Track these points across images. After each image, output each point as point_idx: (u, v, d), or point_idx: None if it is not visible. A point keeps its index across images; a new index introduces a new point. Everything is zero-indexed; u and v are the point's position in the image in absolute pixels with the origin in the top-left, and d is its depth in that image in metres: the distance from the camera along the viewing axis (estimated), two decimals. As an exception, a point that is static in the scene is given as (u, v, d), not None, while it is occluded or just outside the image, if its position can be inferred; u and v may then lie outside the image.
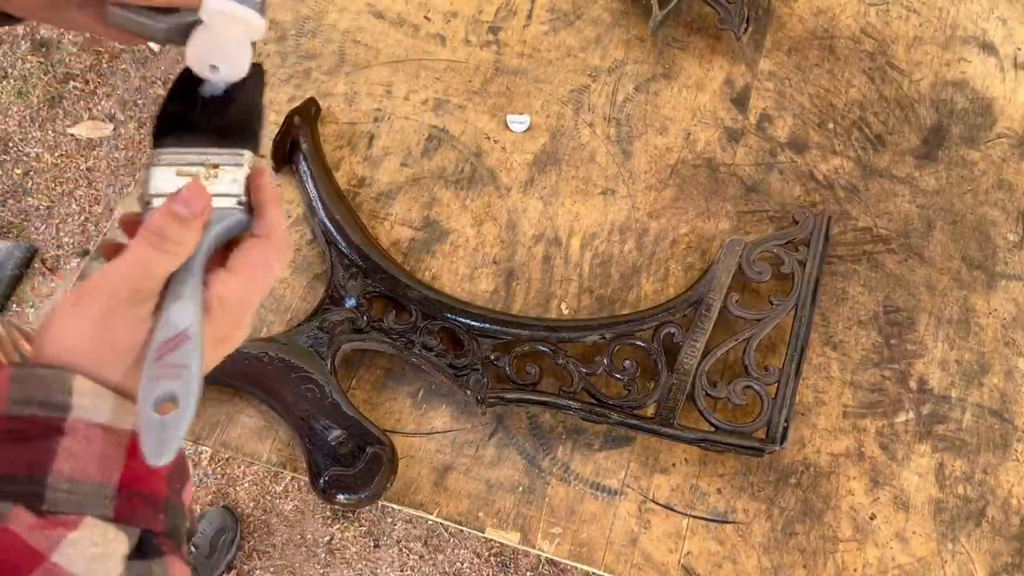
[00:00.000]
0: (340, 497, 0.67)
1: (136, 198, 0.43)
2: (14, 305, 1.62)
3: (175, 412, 0.35)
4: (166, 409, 0.35)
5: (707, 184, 0.84)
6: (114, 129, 1.78)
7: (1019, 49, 0.92)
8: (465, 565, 1.45)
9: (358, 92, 0.87)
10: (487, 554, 1.46)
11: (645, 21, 0.91)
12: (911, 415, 0.74)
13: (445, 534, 1.47)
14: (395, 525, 1.48)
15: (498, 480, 0.72)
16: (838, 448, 0.73)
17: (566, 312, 0.78)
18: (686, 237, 0.81)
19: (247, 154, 0.42)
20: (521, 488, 0.71)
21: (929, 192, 0.84)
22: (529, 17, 0.92)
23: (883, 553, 0.70)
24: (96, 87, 1.81)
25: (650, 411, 0.71)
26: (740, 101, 0.88)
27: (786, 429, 0.70)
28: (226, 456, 1.52)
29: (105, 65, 1.83)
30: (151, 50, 1.84)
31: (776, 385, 0.71)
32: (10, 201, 1.71)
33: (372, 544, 1.47)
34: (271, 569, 1.45)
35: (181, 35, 0.44)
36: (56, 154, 1.75)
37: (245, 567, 1.45)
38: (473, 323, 0.73)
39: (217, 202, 0.40)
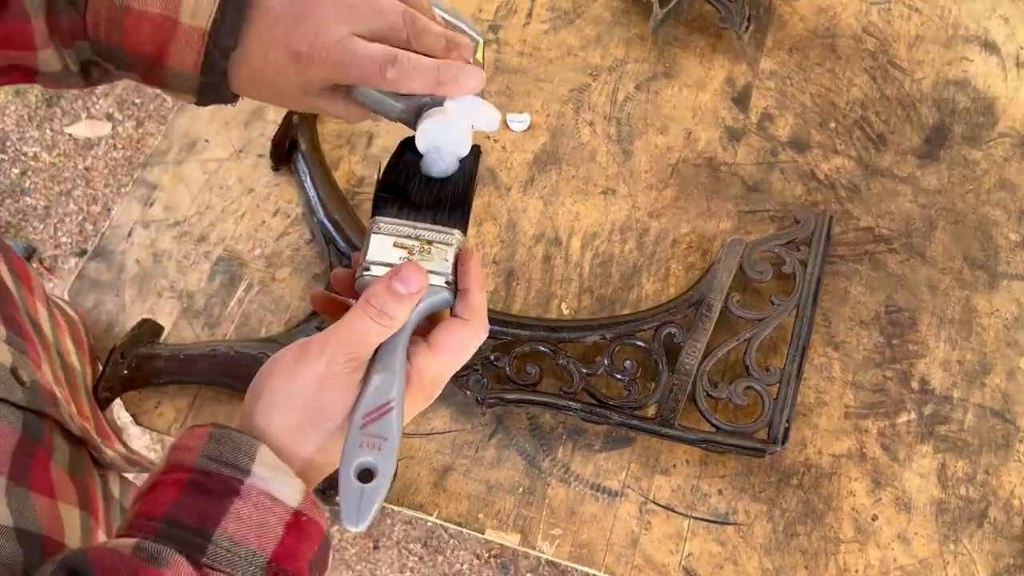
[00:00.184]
0: (339, 497, 0.67)
1: (352, 263, 0.46)
2: (12, 305, 1.61)
3: (374, 482, 0.38)
4: (365, 478, 0.38)
5: (708, 183, 0.83)
6: (112, 128, 1.77)
7: (1021, 48, 0.91)
8: (465, 566, 1.45)
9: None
10: (487, 555, 1.46)
11: (646, 20, 0.91)
12: (913, 416, 0.74)
13: (445, 535, 1.47)
14: (395, 526, 1.48)
15: (498, 481, 0.71)
16: (840, 449, 0.73)
17: (566, 312, 0.77)
18: (687, 237, 0.81)
19: (457, 234, 0.45)
20: (521, 489, 0.71)
21: (931, 192, 0.84)
22: (529, 16, 0.91)
23: (885, 554, 0.69)
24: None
25: (651, 412, 0.71)
26: (741, 100, 0.88)
27: (787, 430, 0.70)
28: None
29: (103, 64, 1.83)
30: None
31: (777, 386, 0.71)
32: (8, 201, 1.70)
33: (372, 545, 1.47)
34: (270, 570, 1.44)
35: (414, 115, 0.47)
36: (54, 153, 1.75)
37: (244, 568, 1.44)
38: (473, 323, 0.73)
39: (428, 279, 0.42)
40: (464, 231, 0.45)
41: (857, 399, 0.74)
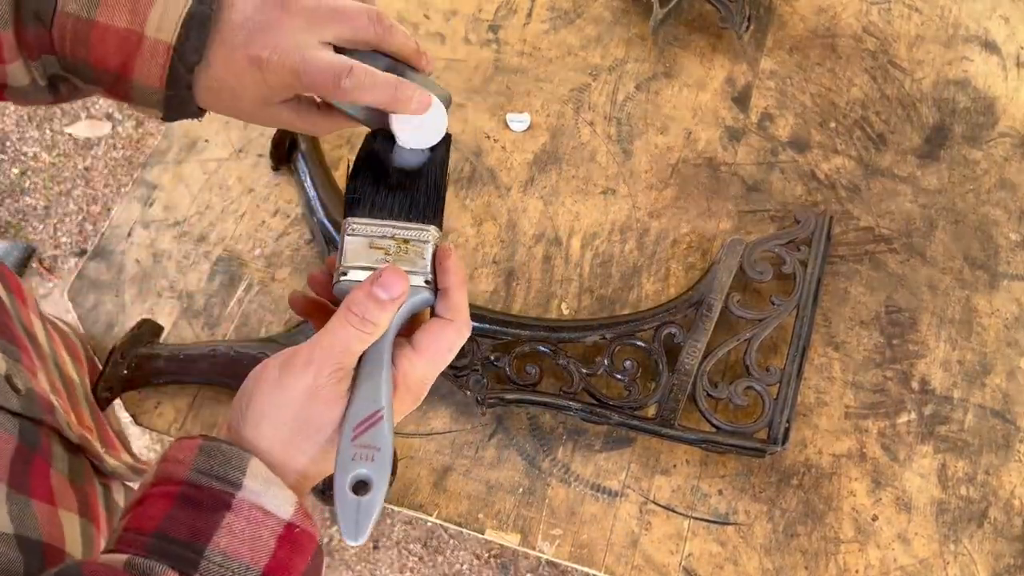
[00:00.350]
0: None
1: (325, 265, 0.45)
2: (11, 305, 1.61)
3: (370, 494, 0.37)
4: (360, 490, 0.37)
5: (708, 183, 0.83)
6: (112, 128, 1.77)
7: (1022, 48, 0.91)
8: (465, 567, 1.45)
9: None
10: (487, 556, 1.45)
11: (646, 19, 0.91)
12: (913, 416, 0.74)
13: (445, 535, 1.47)
14: (394, 527, 1.47)
15: (498, 481, 0.71)
16: (840, 449, 0.73)
17: (566, 312, 0.77)
18: (687, 237, 0.81)
19: (433, 230, 0.43)
20: (521, 489, 0.71)
21: (931, 191, 0.83)
22: (529, 15, 0.91)
23: (885, 554, 0.69)
24: (94, 86, 1.81)
25: (651, 412, 0.71)
26: (741, 100, 0.88)
27: (788, 430, 0.70)
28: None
29: (103, 64, 1.83)
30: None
31: (778, 386, 0.71)
32: (7, 201, 1.70)
33: (371, 545, 1.47)
34: (270, 570, 1.44)
35: (383, 116, 0.46)
36: (54, 153, 1.74)
37: (243, 568, 1.44)
38: (473, 323, 0.72)
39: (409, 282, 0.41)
40: (439, 226, 0.44)
41: (857, 399, 0.74)
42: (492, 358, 0.72)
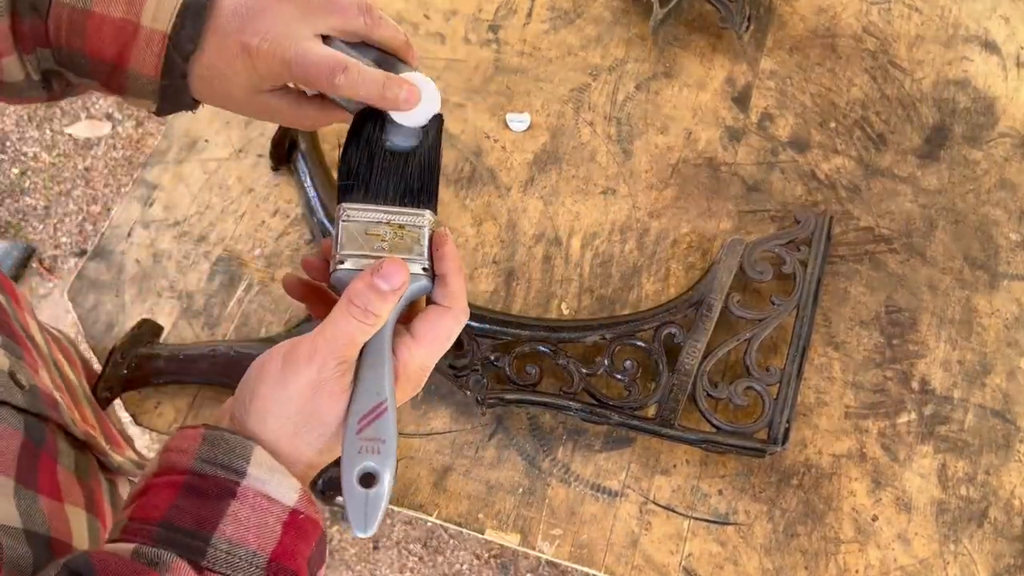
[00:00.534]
0: (339, 498, 0.67)
1: (319, 248, 0.45)
2: (11, 305, 1.61)
3: (377, 486, 0.38)
4: (368, 483, 0.38)
5: (708, 183, 0.83)
6: (112, 128, 1.77)
7: (1022, 48, 0.91)
8: (465, 567, 1.45)
9: (357, 91, 0.87)
10: (487, 556, 1.45)
11: (646, 19, 0.91)
12: (913, 416, 0.74)
13: (445, 536, 1.47)
14: (394, 527, 1.47)
15: (498, 481, 0.71)
16: (840, 449, 0.73)
17: (566, 312, 0.77)
18: (687, 237, 0.81)
19: (428, 214, 0.43)
20: (521, 489, 0.71)
21: (931, 192, 0.83)
22: (529, 15, 0.91)
23: (885, 554, 0.69)
24: (94, 86, 1.80)
25: (651, 412, 0.71)
26: (741, 100, 0.88)
27: (788, 430, 0.70)
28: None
29: (103, 64, 1.83)
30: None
31: (778, 386, 0.71)
32: (7, 201, 1.70)
33: (371, 546, 1.47)
34: (269, 570, 1.44)
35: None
36: (54, 153, 1.74)
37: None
38: (473, 323, 0.73)
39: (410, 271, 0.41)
40: (434, 210, 0.44)
41: (857, 399, 0.74)
42: (492, 358, 0.72)
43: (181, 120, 0.86)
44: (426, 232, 0.43)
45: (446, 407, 0.73)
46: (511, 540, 0.69)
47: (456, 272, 0.43)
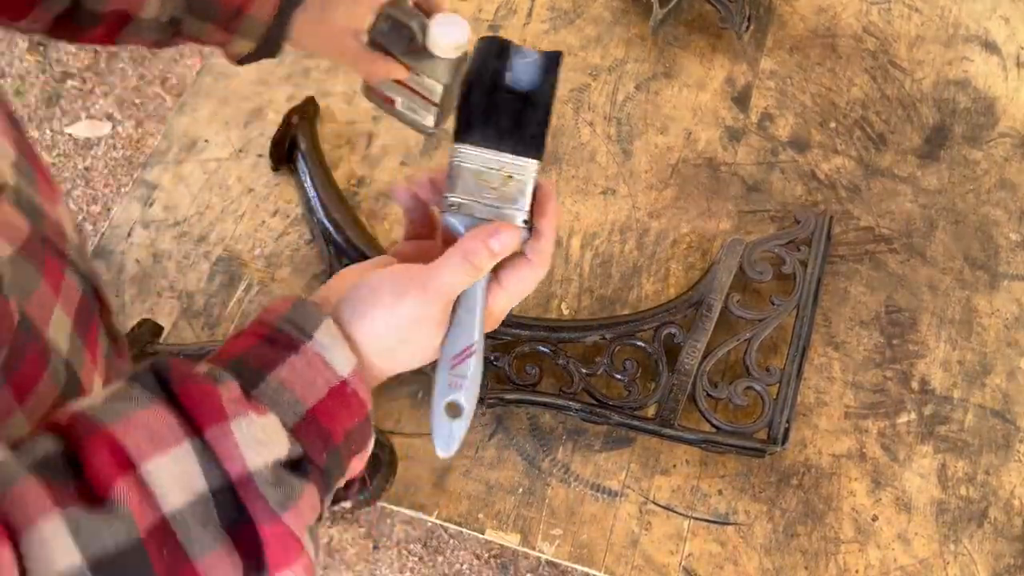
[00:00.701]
0: (342, 503, 0.67)
1: (426, 178, 0.47)
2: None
3: (461, 419, 0.44)
4: (452, 412, 0.44)
5: (708, 183, 0.83)
6: (112, 128, 1.77)
7: (1022, 48, 0.91)
8: (465, 567, 1.45)
9: (357, 91, 0.86)
10: (487, 555, 1.45)
11: (646, 20, 0.91)
12: (913, 416, 0.74)
13: (445, 535, 1.47)
14: (394, 527, 1.47)
15: (498, 481, 0.71)
16: (840, 449, 0.73)
17: (566, 312, 0.77)
18: (687, 237, 0.81)
19: (535, 165, 0.44)
20: (521, 489, 0.71)
21: (931, 192, 0.83)
22: (529, 15, 0.91)
23: (885, 554, 0.69)
24: (94, 86, 1.81)
25: (651, 412, 0.71)
26: (741, 100, 0.87)
27: (787, 430, 0.70)
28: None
29: (103, 64, 1.83)
30: (150, 51, 1.83)
31: (777, 386, 0.71)
32: (8, 201, 1.70)
33: (371, 546, 1.47)
34: (269, 570, 1.44)
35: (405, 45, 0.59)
36: (54, 154, 1.74)
37: (243, 568, 1.44)
38: (473, 323, 0.73)
39: (508, 215, 0.44)
40: (541, 159, 0.45)
41: (857, 399, 0.74)
42: (492, 358, 0.72)
43: (181, 120, 0.86)
44: (531, 183, 0.44)
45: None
46: (511, 540, 0.69)
47: (550, 230, 0.45)
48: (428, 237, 0.49)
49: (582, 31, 0.91)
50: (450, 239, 0.44)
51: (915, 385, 0.75)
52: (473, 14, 0.91)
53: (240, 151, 0.84)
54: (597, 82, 0.88)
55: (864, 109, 0.87)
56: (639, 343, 0.72)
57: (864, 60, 0.90)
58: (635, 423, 0.69)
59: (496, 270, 0.45)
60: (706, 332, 0.72)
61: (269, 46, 0.60)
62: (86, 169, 1.74)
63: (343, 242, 0.76)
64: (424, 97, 0.64)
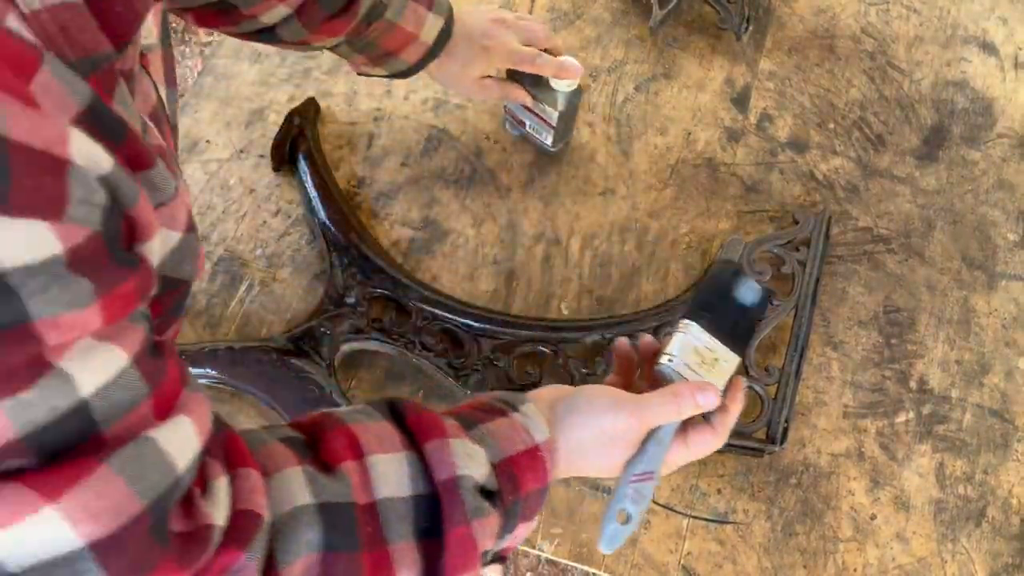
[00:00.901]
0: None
1: (646, 339, 0.60)
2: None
3: (628, 526, 0.52)
4: (622, 519, 0.52)
5: (707, 184, 0.84)
6: (113, 129, 1.77)
7: (1020, 49, 0.92)
8: (465, 565, 1.45)
9: (358, 92, 0.87)
10: (487, 554, 1.46)
11: (645, 21, 0.91)
12: (911, 415, 0.74)
13: (445, 534, 1.47)
14: (394, 525, 1.47)
15: (498, 480, 0.71)
16: (838, 448, 0.73)
17: (566, 312, 0.78)
18: (686, 237, 0.81)
19: (738, 361, 0.56)
20: (521, 488, 0.71)
21: (930, 192, 0.84)
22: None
23: (883, 553, 0.70)
24: (95, 87, 1.81)
25: (650, 411, 0.71)
26: (740, 101, 0.88)
27: (786, 429, 0.70)
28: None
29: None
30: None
31: (776, 385, 0.71)
32: (9, 201, 1.70)
33: (371, 544, 1.47)
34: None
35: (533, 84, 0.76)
36: (55, 154, 1.75)
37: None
38: (473, 323, 0.73)
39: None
40: (743, 356, 0.56)
41: (856, 399, 0.75)
42: (492, 358, 0.72)
43: (182, 121, 0.86)
44: (731, 373, 0.55)
45: (446, 407, 0.74)
46: (511, 539, 0.70)
47: (736, 408, 0.55)
48: (627, 380, 0.59)
49: (582, 32, 0.91)
50: (657, 384, 0.55)
51: (913, 385, 0.75)
52: (473, 15, 0.91)
53: (241, 152, 0.84)
54: (597, 83, 0.88)
55: (863, 110, 0.88)
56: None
57: (863, 61, 0.90)
58: (635, 422, 0.70)
59: (684, 430, 0.54)
60: (705, 332, 0.72)
61: (404, 75, 0.73)
62: (87, 169, 1.74)
63: (344, 242, 0.76)
64: (545, 121, 0.77)
